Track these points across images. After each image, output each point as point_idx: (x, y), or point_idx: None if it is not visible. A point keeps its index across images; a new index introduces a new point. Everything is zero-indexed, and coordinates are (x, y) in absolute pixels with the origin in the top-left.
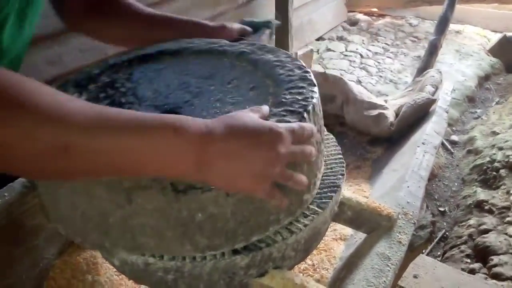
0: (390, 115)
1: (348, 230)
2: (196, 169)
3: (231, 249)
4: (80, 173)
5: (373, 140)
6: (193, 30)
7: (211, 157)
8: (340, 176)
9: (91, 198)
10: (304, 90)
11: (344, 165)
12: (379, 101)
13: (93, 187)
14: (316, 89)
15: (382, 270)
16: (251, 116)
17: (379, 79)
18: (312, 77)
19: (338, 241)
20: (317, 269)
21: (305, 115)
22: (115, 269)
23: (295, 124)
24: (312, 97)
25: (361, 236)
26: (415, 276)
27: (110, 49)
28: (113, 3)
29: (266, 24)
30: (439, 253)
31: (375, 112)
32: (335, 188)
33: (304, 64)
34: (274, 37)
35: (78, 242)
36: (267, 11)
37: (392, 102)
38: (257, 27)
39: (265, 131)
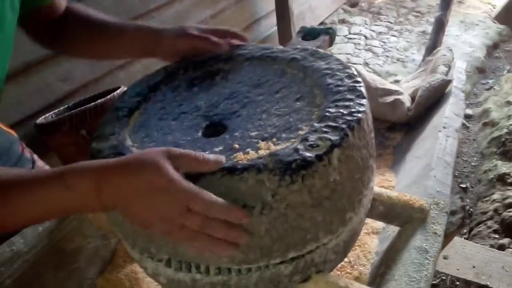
0: (406, 100)
1: (379, 223)
2: (103, 208)
3: (267, 263)
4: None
5: (391, 127)
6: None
7: (110, 202)
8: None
9: None
10: (352, 103)
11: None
12: (393, 86)
13: None
14: (365, 101)
15: (421, 264)
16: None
17: (386, 59)
18: (362, 88)
19: (371, 235)
20: (355, 266)
21: (349, 132)
22: (156, 283)
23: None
24: (359, 111)
25: (393, 228)
26: (445, 257)
27: (118, 61)
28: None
29: (326, 31)
30: (465, 230)
31: (390, 98)
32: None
33: (355, 73)
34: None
35: (129, 247)
36: (267, 3)
37: (405, 85)
38: (316, 34)
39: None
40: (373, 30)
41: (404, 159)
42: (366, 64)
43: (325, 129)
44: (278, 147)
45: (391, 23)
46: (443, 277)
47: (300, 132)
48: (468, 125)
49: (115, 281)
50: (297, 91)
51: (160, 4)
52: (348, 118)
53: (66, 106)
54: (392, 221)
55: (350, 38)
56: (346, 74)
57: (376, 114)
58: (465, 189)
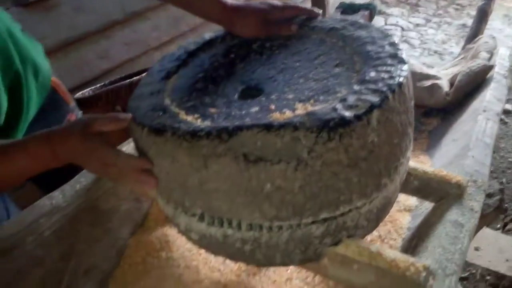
0: (445, 85)
1: (412, 201)
2: (63, 163)
3: (299, 222)
4: None
5: (427, 112)
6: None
7: (62, 160)
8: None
9: (174, 161)
10: (392, 68)
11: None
12: (431, 71)
13: (176, 151)
14: (406, 67)
15: (457, 237)
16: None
17: (423, 51)
18: (404, 55)
19: (403, 212)
20: (385, 240)
21: (389, 94)
22: (187, 246)
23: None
24: (400, 76)
25: (427, 206)
26: (476, 249)
27: (152, 40)
28: None
29: (366, 6)
30: (498, 225)
31: (428, 82)
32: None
33: (396, 41)
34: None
35: (163, 203)
36: None
37: (444, 72)
38: (356, 9)
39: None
40: (410, 22)
41: (440, 143)
42: None
43: (365, 91)
44: (316, 108)
45: (430, 15)
46: (473, 271)
47: (339, 95)
48: (507, 121)
49: (146, 242)
50: (336, 58)
51: None
52: (389, 81)
53: (102, 84)
54: (427, 196)
55: (386, 29)
56: (387, 42)
57: (414, 98)
58: (501, 184)
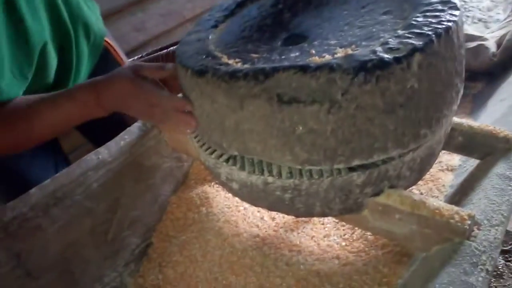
0: (492, 46)
1: (455, 161)
2: (106, 111)
3: (330, 167)
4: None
5: (472, 76)
6: None
7: (107, 107)
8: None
9: (213, 102)
10: (442, 14)
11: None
12: (477, 32)
13: (215, 92)
14: (458, 13)
15: (504, 190)
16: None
17: (466, 19)
18: (457, 1)
19: (445, 171)
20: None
21: (434, 38)
22: (226, 203)
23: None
24: (449, 21)
25: (472, 164)
26: None
27: (187, 11)
28: None
29: None
30: None
31: (473, 44)
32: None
33: None
34: None
35: (203, 150)
36: None
37: (490, 35)
38: None
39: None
40: None
41: (486, 105)
42: None
43: (408, 35)
44: (350, 52)
45: None
46: None
47: (381, 40)
48: None
49: (187, 199)
50: (384, 5)
51: None
52: (436, 26)
53: (139, 56)
54: (472, 153)
55: None
56: None
57: None
58: None
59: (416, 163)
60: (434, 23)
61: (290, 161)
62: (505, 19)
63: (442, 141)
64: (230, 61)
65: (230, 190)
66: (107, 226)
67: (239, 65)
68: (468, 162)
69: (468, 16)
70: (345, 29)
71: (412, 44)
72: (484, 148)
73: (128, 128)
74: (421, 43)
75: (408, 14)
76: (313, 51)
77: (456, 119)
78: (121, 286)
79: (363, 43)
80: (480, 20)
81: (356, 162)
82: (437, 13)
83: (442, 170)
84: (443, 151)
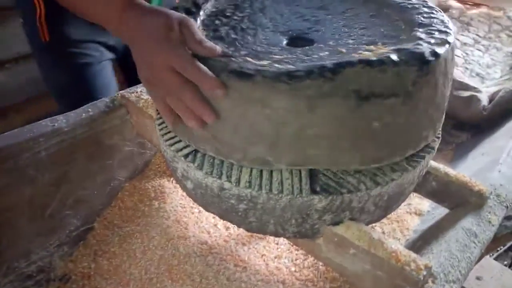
0: (484, 99)
1: (424, 206)
2: (120, 36)
3: (390, 161)
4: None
5: (459, 124)
6: None
7: (124, 31)
8: (436, 138)
9: (265, 107)
10: (434, 14)
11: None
12: (472, 82)
13: (270, 96)
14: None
15: (467, 246)
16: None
17: (465, 71)
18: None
19: (413, 215)
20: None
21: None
22: (181, 202)
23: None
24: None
25: (440, 213)
26: (478, 278)
27: None
28: None
29: None
30: (505, 262)
31: (466, 93)
32: (429, 149)
33: None
34: None
35: (236, 159)
36: None
37: (485, 89)
38: None
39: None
40: (458, 39)
41: (467, 156)
42: None
43: (432, 33)
44: (391, 48)
45: (480, 36)
46: None
47: (403, 37)
48: None
49: (141, 189)
50: (365, 11)
51: None
52: (443, 27)
53: None
54: (444, 200)
55: None
56: None
57: (447, 108)
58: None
59: (383, 199)
60: (439, 22)
61: (356, 163)
62: (501, 77)
63: (415, 182)
64: (264, 62)
65: (184, 188)
66: (48, 200)
67: (279, 65)
68: (437, 209)
69: (467, 69)
70: (346, 31)
71: (444, 39)
72: (456, 199)
73: (94, 102)
74: (451, 37)
75: (400, 16)
76: (343, 50)
77: (433, 163)
78: (49, 267)
79: (385, 40)
80: (478, 74)
81: (410, 152)
82: (431, 14)
83: (410, 213)
84: (414, 194)
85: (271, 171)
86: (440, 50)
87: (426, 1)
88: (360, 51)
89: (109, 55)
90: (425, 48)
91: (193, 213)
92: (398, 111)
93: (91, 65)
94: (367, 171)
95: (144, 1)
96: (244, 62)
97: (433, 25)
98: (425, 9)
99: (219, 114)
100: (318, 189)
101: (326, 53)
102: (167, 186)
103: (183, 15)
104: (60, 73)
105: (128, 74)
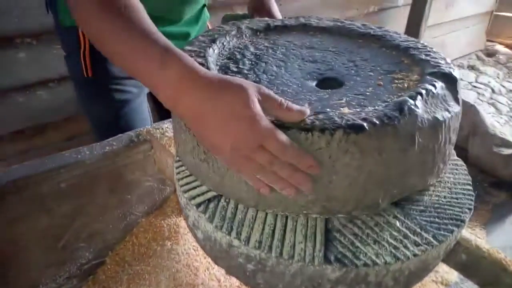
0: None
1: (453, 276)
2: (172, 104)
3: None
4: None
5: (498, 183)
6: None
7: (183, 108)
8: (467, 210)
9: (381, 153)
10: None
11: (473, 198)
12: None
13: (383, 141)
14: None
15: None
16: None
17: (509, 119)
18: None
19: (438, 284)
20: None
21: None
22: (194, 244)
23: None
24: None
25: (470, 286)
26: None
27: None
28: None
29: (246, 16)
30: None
31: (507, 151)
32: (459, 223)
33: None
34: None
35: (344, 212)
36: (398, 24)
37: None
38: (239, 18)
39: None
40: (503, 86)
41: (504, 220)
42: None
43: (438, 64)
44: (416, 74)
45: None
46: None
47: (416, 77)
48: None
49: (157, 226)
50: (379, 54)
51: None
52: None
53: None
54: (473, 276)
55: (474, 87)
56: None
57: (485, 164)
58: None
59: (403, 274)
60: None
61: (435, 177)
62: None
63: (440, 257)
64: (341, 111)
65: (195, 237)
66: (62, 232)
67: (356, 109)
68: (466, 282)
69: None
70: (357, 66)
71: (450, 66)
72: (487, 276)
73: (119, 135)
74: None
75: (408, 61)
76: (381, 82)
77: (465, 234)
78: None
79: (400, 71)
80: None
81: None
82: (431, 53)
83: (436, 282)
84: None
85: (284, 232)
86: (456, 73)
87: (385, 28)
88: (395, 81)
89: (147, 89)
90: (448, 68)
91: (205, 258)
92: (456, 126)
93: (130, 102)
94: (387, 242)
95: (202, 67)
96: (339, 114)
97: (419, 46)
98: (396, 35)
99: (332, 173)
100: (332, 258)
101: (370, 88)
102: (182, 226)
103: (256, 84)
104: (100, 108)
105: (159, 103)
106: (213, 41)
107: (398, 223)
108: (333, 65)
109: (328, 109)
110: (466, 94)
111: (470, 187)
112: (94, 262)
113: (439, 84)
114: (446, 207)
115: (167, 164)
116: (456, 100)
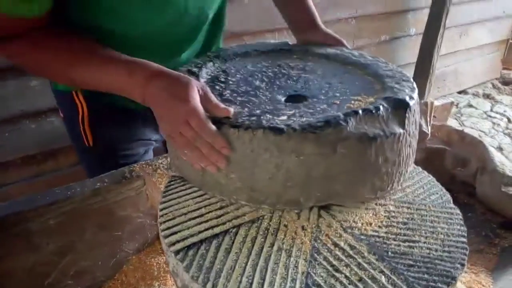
0: None
1: None
2: (142, 99)
3: (390, 189)
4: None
5: (507, 223)
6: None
7: (148, 96)
8: (459, 266)
9: (299, 155)
10: (391, 67)
11: (467, 252)
12: None
13: (302, 145)
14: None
15: None
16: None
17: None
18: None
19: None
20: None
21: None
22: None
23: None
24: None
25: None
26: None
27: None
28: None
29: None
30: None
31: None
32: (449, 280)
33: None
34: None
35: (269, 204)
36: (410, 53)
37: None
38: None
39: (183, 90)
40: None
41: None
42: (500, 148)
43: (399, 82)
44: (375, 97)
45: None
46: None
47: (377, 88)
48: None
49: (146, 265)
50: (334, 68)
51: None
52: (405, 77)
53: None
54: None
55: (489, 116)
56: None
57: (493, 203)
58: None
59: None
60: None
61: (370, 193)
62: None
63: None
64: (282, 118)
65: (175, 283)
66: (49, 269)
67: (294, 118)
68: None
69: None
70: (328, 86)
71: (411, 86)
72: None
73: (112, 171)
74: (414, 85)
75: (364, 72)
76: (337, 101)
77: (468, 277)
78: None
79: (366, 92)
80: None
81: (401, 182)
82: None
83: None
84: None
85: (262, 286)
86: (414, 95)
87: (378, 58)
88: (351, 102)
89: (152, 144)
90: (403, 95)
91: None
92: (395, 147)
93: (137, 161)
94: None
95: (168, 69)
96: (272, 120)
97: (397, 76)
98: (383, 64)
99: (254, 165)
100: None
101: (325, 105)
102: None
103: (203, 83)
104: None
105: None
106: (217, 56)
107: (383, 279)
108: (310, 85)
109: (268, 115)
110: (481, 123)
111: (465, 239)
112: None
113: (384, 107)
114: (436, 261)
115: (159, 200)
116: (401, 123)
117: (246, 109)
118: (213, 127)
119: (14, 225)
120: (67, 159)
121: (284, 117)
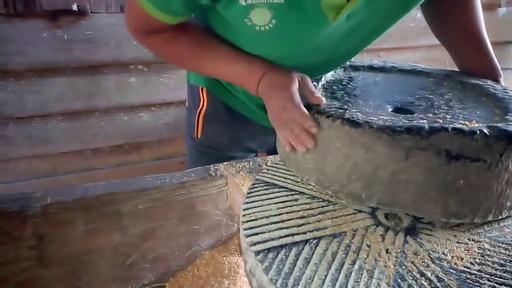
0: None
1: None
2: (255, 92)
3: (471, 221)
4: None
5: None
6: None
7: (259, 93)
8: None
9: (368, 151)
10: None
11: None
12: None
13: (374, 143)
14: None
15: None
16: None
17: None
18: None
19: None
20: None
21: None
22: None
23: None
24: None
25: None
26: None
27: None
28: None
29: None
30: None
31: None
32: None
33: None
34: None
35: (333, 191)
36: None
37: None
38: None
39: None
40: None
41: None
42: None
43: None
44: (484, 125)
45: None
46: None
47: (496, 119)
48: None
49: (218, 262)
50: (464, 96)
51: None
52: None
53: None
54: None
55: None
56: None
57: None
58: None
59: None
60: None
61: (439, 214)
62: None
63: None
64: (373, 118)
65: (250, 284)
66: (131, 251)
67: (380, 122)
68: None
69: None
70: (446, 109)
71: None
72: None
73: (198, 168)
74: None
75: (492, 103)
76: (440, 120)
77: None
78: None
79: (480, 120)
80: None
81: (489, 218)
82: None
83: None
84: None
85: None
86: None
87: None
88: (453, 124)
89: (251, 155)
90: None
91: None
92: (483, 175)
93: None
94: None
95: (278, 66)
96: (356, 114)
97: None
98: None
99: (327, 151)
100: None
101: (425, 121)
102: (242, 267)
103: (303, 74)
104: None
105: None
106: (352, 65)
107: None
108: (427, 104)
109: (359, 114)
110: None
111: None
112: (154, 285)
113: (482, 132)
114: None
115: (238, 202)
116: (498, 154)
117: (345, 106)
118: (304, 109)
119: (106, 205)
120: (150, 153)
121: (374, 118)
